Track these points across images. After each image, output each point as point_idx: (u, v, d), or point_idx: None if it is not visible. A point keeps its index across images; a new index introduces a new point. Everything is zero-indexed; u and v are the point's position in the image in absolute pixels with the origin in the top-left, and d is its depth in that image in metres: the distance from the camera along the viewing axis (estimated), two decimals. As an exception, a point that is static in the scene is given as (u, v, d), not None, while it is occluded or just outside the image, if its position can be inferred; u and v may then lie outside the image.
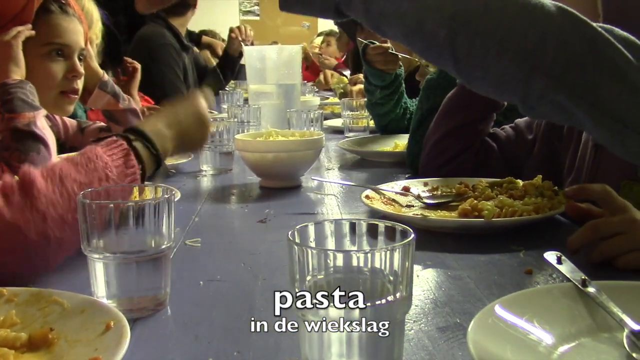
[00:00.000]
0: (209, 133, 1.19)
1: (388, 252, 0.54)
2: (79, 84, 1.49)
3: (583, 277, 0.71)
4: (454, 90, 1.36)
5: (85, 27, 1.51)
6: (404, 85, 2.05)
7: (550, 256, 0.77)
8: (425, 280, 0.84)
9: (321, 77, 4.18)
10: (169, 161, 1.62)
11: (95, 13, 2.00)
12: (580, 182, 1.19)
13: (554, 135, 1.30)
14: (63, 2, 1.43)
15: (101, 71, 1.70)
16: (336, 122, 2.41)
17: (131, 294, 0.74)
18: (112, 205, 0.72)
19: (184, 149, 1.16)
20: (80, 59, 1.48)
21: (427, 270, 0.88)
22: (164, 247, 0.75)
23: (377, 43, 1.97)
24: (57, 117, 1.65)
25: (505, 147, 1.36)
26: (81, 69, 1.47)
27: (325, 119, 2.51)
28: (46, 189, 0.82)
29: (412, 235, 0.56)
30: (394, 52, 1.95)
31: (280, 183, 1.41)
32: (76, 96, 1.50)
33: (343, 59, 4.72)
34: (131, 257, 0.73)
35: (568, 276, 0.72)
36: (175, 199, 1.19)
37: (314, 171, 1.56)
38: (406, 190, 1.22)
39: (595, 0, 1.03)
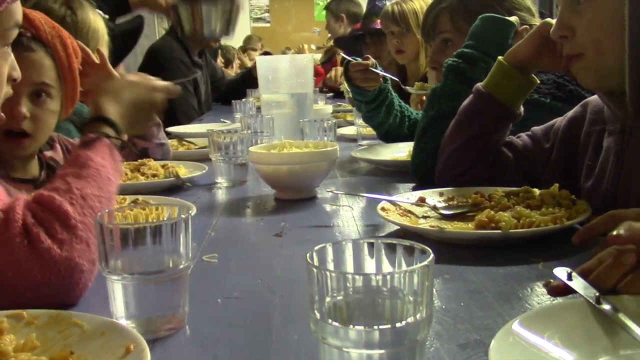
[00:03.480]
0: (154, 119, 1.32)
1: (407, 274, 0.54)
2: (27, 125, 1.30)
3: (596, 294, 0.69)
4: (469, 100, 1.35)
5: (61, 57, 1.36)
6: (392, 95, 2.03)
7: (561, 272, 0.76)
8: (444, 295, 0.83)
9: (332, 73, 4.14)
10: (184, 174, 1.63)
11: (101, 28, 2.01)
12: (601, 188, 1.18)
13: (572, 141, 1.29)
14: (23, 35, 1.28)
15: None
16: (350, 130, 2.41)
17: (150, 314, 0.75)
18: (129, 226, 0.73)
19: (129, 130, 1.20)
20: (39, 97, 1.33)
21: (447, 284, 0.87)
22: (181, 267, 0.75)
23: (359, 60, 1.96)
24: (67, 142, 1.65)
25: (522, 156, 1.35)
26: (25, 109, 1.29)
27: (339, 126, 2.51)
28: (79, 214, 0.85)
29: (432, 256, 0.55)
30: (375, 69, 1.93)
31: (295, 195, 1.41)
32: (26, 139, 1.32)
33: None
34: (150, 277, 0.73)
35: (581, 293, 0.71)
36: (191, 215, 1.19)
37: (329, 181, 1.56)
38: (422, 201, 1.22)
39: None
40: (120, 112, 1.16)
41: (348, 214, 1.28)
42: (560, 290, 0.75)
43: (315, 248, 0.58)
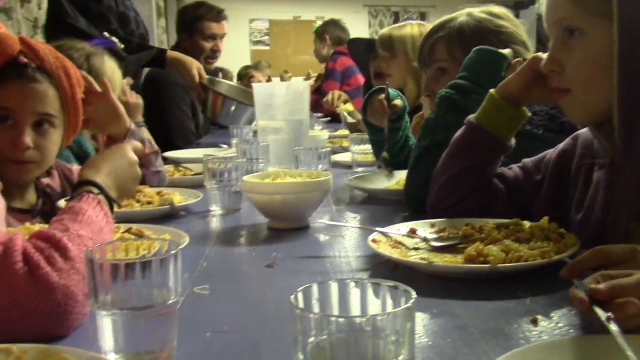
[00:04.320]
0: (138, 182, 1.34)
1: (390, 316, 0.55)
2: (30, 154, 1.36)
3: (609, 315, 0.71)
4: (461, 131, 1.37)
5: (65, 88, 1.40)
6: (405, 123, 2.07)
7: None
8: (431, 331, 0.84)
9: (329, 96, 4.19)
10: (179, 201, 1.65)
11: (117, 78, 2.06)
12: (591, 222, 1.19)
13: (563, 174, 1.30)
14: (28, 65, 1.34)
15: (128, 121, 1.73)
16: (345, 157, 2.42)
17: (138, 349, 0.75)
18: (119, 262, 0.73)
19: (118, 197, 1.23)
20: (43, 126, 1.38)
21: (434, 320, 0.88)
22: (170, 302, 0.76)
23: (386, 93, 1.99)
24: (73, 169, 1.67)
25: (513, 188, 1.36)
26: (29, 139, 1.35)
27: (334, 153, 2.53)
28: (76, 250, 0.87)
29: (414, 298, 0.56)
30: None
31: (288, 224, 1.42)
32: (27, 165, 1.38)
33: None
34: (139, 313, 0.74)
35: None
36: (184, 245, 1.20)
37: (323, 210, 1.57)
38: (413, 232, 1.23)
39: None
40: (101, 176, 1.17)
41: (340, 244, 1.29)
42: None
43: (300, 288, 0.59)
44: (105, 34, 2.66)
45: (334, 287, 0.62)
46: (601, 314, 0.72)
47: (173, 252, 0.75)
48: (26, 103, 1.34)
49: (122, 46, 2.71)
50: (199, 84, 3.19)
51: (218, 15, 3.57)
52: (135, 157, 1.33)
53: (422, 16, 12.34)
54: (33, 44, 1.37)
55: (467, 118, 1.36)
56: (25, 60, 1.33)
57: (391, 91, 2.03)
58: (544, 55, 1.25)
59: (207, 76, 3.25)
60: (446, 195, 1.37)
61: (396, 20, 12.06)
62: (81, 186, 1.13)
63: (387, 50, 2.75)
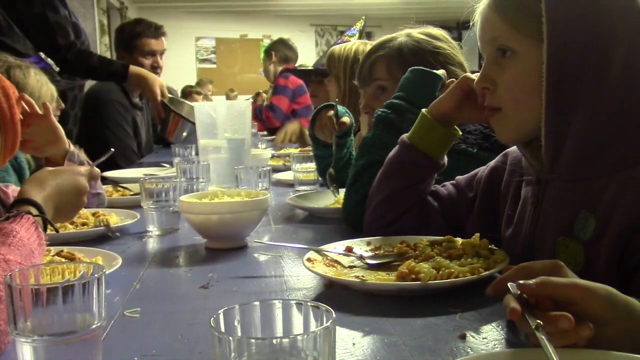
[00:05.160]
0: (81, 209, 1.35)
1: (310, 336, 0.55)
2: None
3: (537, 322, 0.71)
4: (395, 151, 1.39)
5: (3, 109, 1.28)
6: (351, 141, 2.10)
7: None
8: (361, 349, 0.85)
9: (281, 136, 4.18)
10: (115, 222, 1.61)
11: (44, 88, 2.01)
12: (520, 237, 1.22)
13: (494, 190, 1.34)
14: None
15: (67, 142, 1.69)
16: (287, 175, 2.42)
17: (61, 376, 0.73)
18: (40, 287, 0.71)
19: (55, 221, 1.21)
20: None
21: (365, 337, 0.89)
22: (94, 326, 0.74)
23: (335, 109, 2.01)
24: (8, 190, 1.62)
25: (446, 206, 1.39)
26: None
27: (277, 171, 2.53)
28: (1, 277, 0.84)
29: (333, 318, 0.57)
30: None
31: (225, 244, 1.41)
32: None
33: None
34: (60, 339, 0.72)
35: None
36: (116, 267, 1.18)
37: (262, 228, 1.57)
38: (349, 250, 1.23)
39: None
40: (45, 196, 1.17)
41: (277, 264, 1.28)
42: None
43: (221, 310, 0.59)
44: (41, 54, 2.61)
45: (256, 308, 0.62)
46: (531, 321, 0.72)
47: (97, 275, 0.74)
48: None
49: (57, 69, 2.67)
50: (160, 103, 3.16)
51: (156, 31, 3.55)
52: (86, 187, 1.31)
53: (368, 35, 12.53)
54: None
55: (401, 137, 1.39)
56: None
57: (340, 108, 2.05)
58: (474, 76, 1.29)
59: (169, 95, 3.24)
60: (382, 214, 1.38)
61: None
62: (20, 204, 1.11)
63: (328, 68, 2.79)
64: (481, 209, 1.35)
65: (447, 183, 1.43)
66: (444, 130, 1.34)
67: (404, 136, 1.38)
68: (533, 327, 0.71)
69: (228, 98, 9.15)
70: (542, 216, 1.17)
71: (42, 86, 2.04)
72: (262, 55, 10.40)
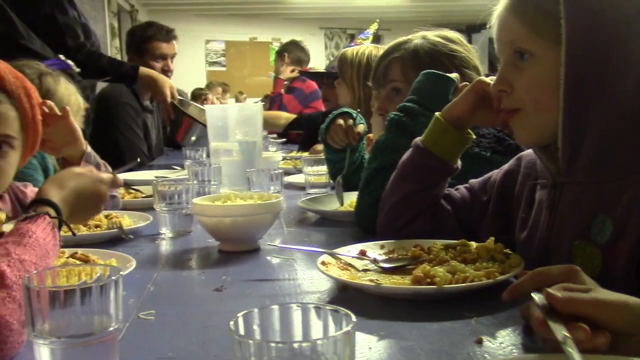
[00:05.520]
0: (99, 211, 1.34)
1: (330, 341, 0.55)
2: None
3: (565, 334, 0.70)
4: (408, 154, 1.38)
5: (27, 106, 1.32)
6: (362, 145, 2.09)
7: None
8: (377, 353, 0.84)
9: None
10: (128, 225, 1.62)
11: (73, 97, 2.04)
12: (534, 241, 1.21)
13: (507, 194, 1.33)
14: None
15: (84, 144, 1.70)
16: (298, 178, 2.42)
17: (78, 378, 0.73)
18: (58, 289, 0.72)
19: (73, 220, 1.23)
20: (1, 148, 1.27)
21: (381, 342, 0.88)
22: (111, 329, 0.74)
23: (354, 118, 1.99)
24: (26, 190, 1.63)
25: (460, 209, 1.38)
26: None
27: (288, 174, 2.53)
28: (15, 277, 0.85)
29: (353, 323, 0.56)
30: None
31: (238, 247, 1.41)
32: None
33: None
34: (78, 341, 0.72)
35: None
36: (130, 270, 1.18)
37: (275, 232, 1.56)
38: (362, 254, 1.23)
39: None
40: (63, 197, 1.17)
41: (290, 267, 1.28)
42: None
43: (240, 314, 0.58)
44: (61, 56, 2.62)
45: (275, 312, 0.61)
46: (557, 332, 0.70)
47: (114, 278, 0.74)
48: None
49: (78, 70, 2.68)
50: (170, 104, 3.17)
51: (167, 35, 3.56)
52: (106, 195, 1.31)
53: (378, 39, 12.54)
54: None
55: (414, 141, 1.38)
56: None
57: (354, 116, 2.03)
58: (488, 79, 1.28)
59: (179, 97, 3.25)
60: (395, 218, 1.38)
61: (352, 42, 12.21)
62: (39, 205, 1.12)
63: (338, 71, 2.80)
64: (495, 212, 1.35)
65: (461, 186, 1.42)
66: (457, 134, 1.33)
67: (417, 139, 1.38)
68: (560, 339, 0.70)
69: (237, 101, 9.17)
70: (557, 220, 1.16)
71: (70, 95, 2.07)
72: (271, 58, 10.44)
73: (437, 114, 1.36)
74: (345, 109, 2.10)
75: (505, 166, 1.37)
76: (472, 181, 1.42)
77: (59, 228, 1.11)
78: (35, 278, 0.74)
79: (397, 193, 1.38)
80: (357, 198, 1.57)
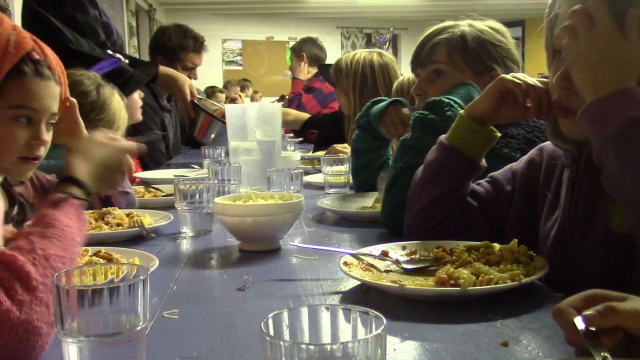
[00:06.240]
0: (122, 180, 1.41)
1: (361, 343, 0.55)
2: (42, 151, 1.36)
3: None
4: (435, 154, 1.38)
5: (63, 88, 1.41)
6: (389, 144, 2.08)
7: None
8: (403, 355, 0.84)
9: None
10: (149, 224, 1.63)
11: (123, 112, 2.10)
12: (559, 219, 1.20)
13: (532, 182, 1.32)
14: (41, 63, 1.31)
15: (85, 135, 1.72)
16: (317, 178, 2.42)
17: (105, 377, 0.74)
18: (86, 288, 0.72)
19: (97, 190, 1.27)
20: (51, 124, 1.37)
21: (405, 342, 0.88)
22: (139, 328, 0.74)
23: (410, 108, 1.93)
24: (43, 178, 1.65)
25: (486, 203, 1.38)
26: (46, 137, 1.35)
27: (306, 174, 2.53)
28: (40, 276, 0.85)
29: (384, 325, 0.56)
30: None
31: (259, 246, 1.42)
32: (37, 162, 1.37)
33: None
34: (106, 340, 0.72)
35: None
36: (153, 269, 1.19)
37: (295, 231, 1.56)
38: (385, 254, 1.23)
39: None
40: (90, 171, 1.20)
41: (312, 267, 1.28)
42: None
43: (270, 315, 0.58)
44: (109, 51, 2.63)
45: (304, 313, 0.61)
46: (596, 355, 0.66)
47: (142, 277, 0.74)
48: (45, 102, 1.33)
49: (127, 61, 2.69)
50: (190, 103, 3.19)
51: (201, 46, 3.61)
52: (129, 163, 1.34)
53: (394, 38, 12.51)
54: (39, 41, 1.35)
55: (439, 139, 1.37)
56: (37, 57, 1.30)
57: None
58: (509, 76, 1.28)
59: (198, 96, 3.26)
60: (424, 220, 1.38)
61: (368, 42, 12.21)
62: (66, 184, 1.14)
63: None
64: (520, 200, 1.34)
65: (482, 181, 1.42)
66: (485, 132, 1.33)
67: (442, 138, 1.37)
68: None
69: (253, 100, 9.19)
70: (582, 195, 1.15)
71: (121, 109, 2.14)
72: (287, 57, 10.45)
73: (461, 112, 1.36)
74: (396, 98, 2.04)
75: (526, 156, 1.37)
76: (493, 174, 1.42)
77: (88, 209, 1.12)
78: (64, 276, 0.75)
79: (426, 195, 1.37)
80: (382, 198, 1.57)
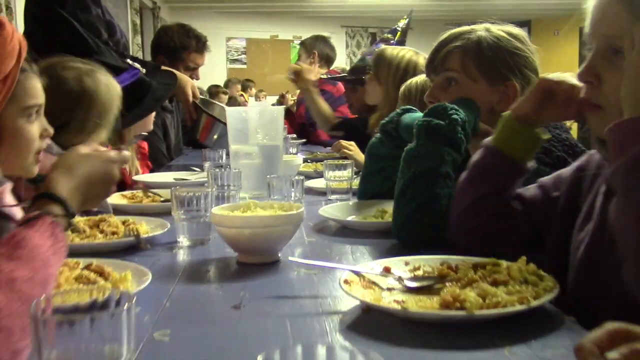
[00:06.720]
0: (111, 193, 1.36)
1: (358, 392, 0.50)
2: (47, 142, 1.42)
3: None
4: (478, 156, 1.36)
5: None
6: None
7: None
8: (404, 386, 0.79)
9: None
10: (145, 232, 1.58)
11: (112, 89, 2.04)
12: (591, 230, 1.16)
13: (578, 190, 1.28)
14: (27, 59, 1.31)
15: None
16: (318, 183, 2.36)
17: (87, 411, 0.69)
18: (66, 317, 0.67)
19: (84, 207, 1.22)
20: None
21: (407, 372, 0.83)
22: (122, 359, 0.70)
23: None
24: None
25: (531, 208, 1.35)
26: (50, 127, 1.40)
27: (308, 177, 2.48)
28: (4, 300, 0.79)
29: (384, 372, 0.51)
30: None
31: (258, 259, 1.37)
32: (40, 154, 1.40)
33: None
34: (86, 373, 0.68)
35: None
36: (146, 284, 1.14)
37: (294, 242, 1.51)
38: (387, 270, 1.18)
39: None
40: (73, 187, 1.12)
41: (311, 282, 1.23)
42: None
43: (260, 356, 0.54)
44: (129, 61, 2.58)
45: (298, 352, 0.56)
46: None
47: (125, 307, 0.69)
48: (42, 95, 1.38)
49: (144, 70, 2.64)
50: (192, 104, 3.15)
51: (203, 46, 3.57)
52: (117, 175, 1.27)
53: (405, 34, 12.44)
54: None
55: (483, 141, 1.36)
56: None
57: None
58: (551, 76, 1.24)
59: (200, 97, 3.22)
60: (466, 221, 1.35)
61: (373, 41, 12.15)
62: (43, 201, 1.06)
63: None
64: (565, 207, 1.30)
65: (530, 186, 1.39)
66: (529, 133, 1.30)
67: (487, 140, 1.35)
68: None
69: (257, 99, 9.15)
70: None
71: (109, 89, 2.06)
72: (292, 56, 10.40)
73: (505, 113, 1.33)
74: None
75: (577, 162, 1.34)
76: (542, 179, 1.38)
77: (67, 226, 1.06)
78: (43, 304, 0.70)
79: (467, 196, 1.36)
80: (393, 209, 1.51)
